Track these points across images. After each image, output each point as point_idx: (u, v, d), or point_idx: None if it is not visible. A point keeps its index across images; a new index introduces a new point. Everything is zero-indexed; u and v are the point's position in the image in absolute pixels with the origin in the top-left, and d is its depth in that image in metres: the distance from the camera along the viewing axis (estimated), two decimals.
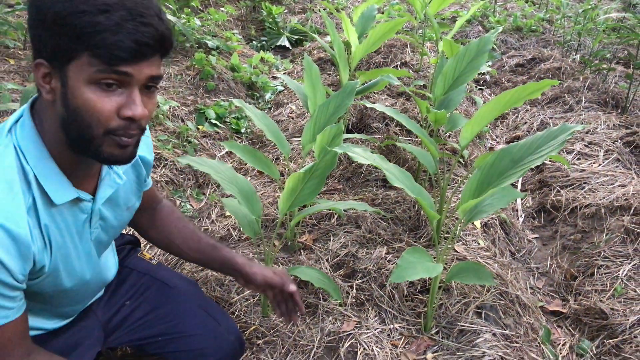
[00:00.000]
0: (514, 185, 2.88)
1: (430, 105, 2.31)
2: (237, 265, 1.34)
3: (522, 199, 2.75)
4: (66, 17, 0.83)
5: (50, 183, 0.95)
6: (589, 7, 4.27)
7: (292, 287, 1.32)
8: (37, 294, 1.06)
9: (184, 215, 1.45)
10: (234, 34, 4.34)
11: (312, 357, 1.57)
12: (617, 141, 2.98)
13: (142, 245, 2.04)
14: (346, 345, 1.59)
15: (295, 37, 4.86)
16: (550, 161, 2.87)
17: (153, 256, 1.64)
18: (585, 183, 2.63)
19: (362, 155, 1.47)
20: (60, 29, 0.84)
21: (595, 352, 1.79)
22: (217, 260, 1.37)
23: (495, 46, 4.67)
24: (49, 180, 0.95)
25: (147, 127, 1.24)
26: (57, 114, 0.91)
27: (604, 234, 2.26)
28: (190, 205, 2.50)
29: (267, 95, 3.79)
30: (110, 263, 1.32)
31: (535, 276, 2.24)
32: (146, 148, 1.22)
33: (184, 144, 2.84)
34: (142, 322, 1.38)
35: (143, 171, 1.22)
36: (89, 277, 1.16)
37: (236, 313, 1.72)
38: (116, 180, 1.10)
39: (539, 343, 1.74)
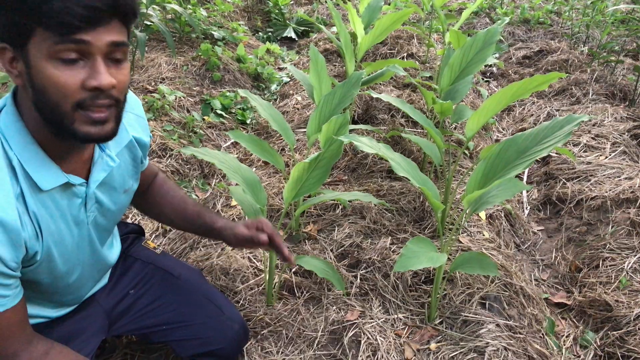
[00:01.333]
0: (519, 178, 2.87)
1: (436, 96, 2.31)
2: (216, 231, 1.36)
3: (527, 191, 2.75)
4: None
5: (35, 169, 0.95)
6: None
7: (262, 238, 1.29)
8: (34, 282, 1.06)
9: (174, 184, 1.47)
10: (240, 25, 4.33)
11: (316, 345, 1.58)
12: (624, 134, 2.96)
13: (146, 234, 2.05)
14: (350, 334, 1.59)
15: (302, 28, 4.85)
16: (556, 153, 2.86)
17: (158, 245, 1.65)
18: (591, 175, 2.62)
19: (368, 145, 1.47)
20: (11, 7, 0.83)
21: (599, 343, 1.79)
22: (201, 227, 1.40)
23: (502, 38, 4.65)
24: (34, 166, 0.95)
25: (142, 108, 1.24)
26: (30, 97, 0.90)
27: (610, 227, 2.26)
28: (196, 195, 2.51)
29: (273, 87, 3.79)
30: (112, 248, 1.32)
31: (540, 268, 2.24)
32: (141, 129, 1.22)
33: (190, 134, 2.85)
34: (146, 311, 1.39)
35: (139, 152, 1.22)
36: (87, 261, 1.17)
37: (241, 302, 1.73)
38: (109, 163, 1.09)
39: (542, 334, 1.74)
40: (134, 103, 1.21)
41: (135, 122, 1.20)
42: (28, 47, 0.85)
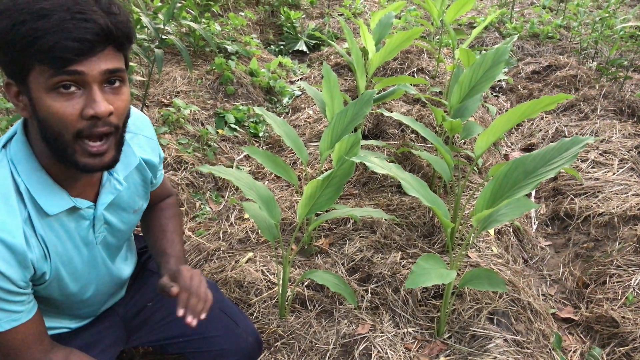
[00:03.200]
0: (527, 194, 2.90)
1: (446, 112, 2.36)
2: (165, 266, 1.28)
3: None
4: (9, 31, 0.85)
5: (41, 194, 0.99)
6: (607, 14, 4.27)
7: (174, 291, 1.15)
8: (48, 299, 1.12)
9: (177, 214, 1.44)
10: (252, 38, 4.41)
11: (328, 358, 1.62)
12: (631, 150, 2.99)
13: None
14: (361, 347, 1.64)
15: (313, 41, 4.92)
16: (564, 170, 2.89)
17: None
18: (599, 192, 2.65)
19: (379, 165, 1.52)
20: (8, 45, 0.87)
21: (605, 359, 1.82)
22: (155, 250, 1.35)
23: (511, 52, 4.69)
24: (40, 191, 0.99)
25: (152, 129, 1.26)
26: (36, 128, 0.95)
27: (617, 243, 2.29)
28: (210, 207, 2.57)
29: (285, 100, 3.85)
30: (126, 263, 1.35)
31: (548, 283, 2.27)
32: (151, 151, 1.25)
33: (204, 147, 2.91)
34: (163, 324, 1.42)
35: (149, 174, 1.25)
36: (98, 280, 1.21)
37: (254, 314, 1.78)
38: (116, 186, 1.12)
39: (550, 349, 1.77)
40: (143, 125, 1.24)
41: (145, 143, 1.24)
42: (29, 80, 0.89)
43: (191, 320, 1.13)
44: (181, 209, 2.45)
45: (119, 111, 0.96)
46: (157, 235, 1.37)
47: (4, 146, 1.01)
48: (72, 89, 0.89)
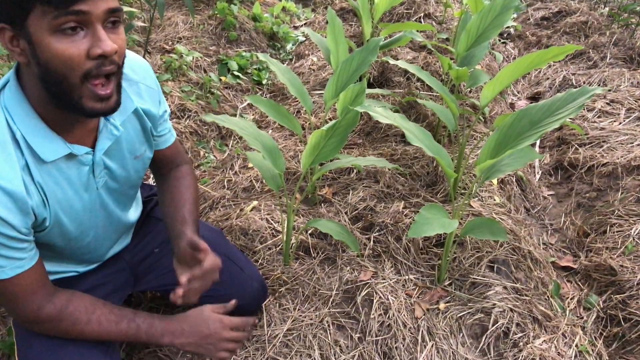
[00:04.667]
0: (532, 144, 2.89)
1: (452, 60, 2.32)
2: (173, 239, 1.31)
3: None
4: None
5: (37, 142, 0.99)
6: None
7: (182, 279, 1.22)
8: (50, 244, 1.14)
9: (193, 184, 1.43)
10: None
11: (331, 303, 1.67)
12: (639, 99, 2.96)
13: None
14: (363, 293, 1.68)
15: None
16: (569, 119, 2.88)
17: None
18: (604, 142, 2.64)
19: (383, 115, 1.51)
20: None
21: (602, 306, 1.87)
22: (170, 227, 1.34)
23: None
24: (37, 138, 0.99)
25: (154, 78, 1.25)
26: (35, 74, 0.93)
27: (619, 193, 2.30)
28: (214, 156, 2.58)
29: (289, 46, 3.79)
30: (129, 210, 1.37)
31: (549, 232, 2.30)
32: (150, 101, 1.23)
33: (207, 95, 2.89)
34: (170, 269, 1.45)
35: (148, 123, 1.24)
36: (101, 223, 1.23)
37: (259, 261, 1.82)
38: (113, 131, 1.12)
39: (548, 296, 1.81)
40: (144, 73, 1.23)
41: (145, 93, 1.22)
42: (27, 23, 0.87)
43: (175, 299, 1.21)
44: None
45: (121, 50, 0.96)
46: (177, 204, 1.36)
47: None
48: (77, 29, 0.89)
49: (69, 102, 0.95)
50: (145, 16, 3.31)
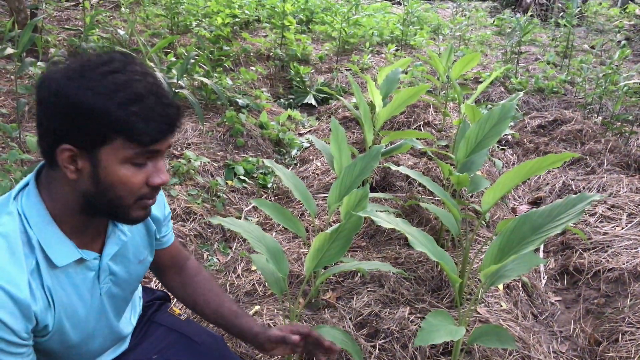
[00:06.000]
0: (536, 249, 2.89)
1: (452, 166, 2.38)
2: (251, 335, 1.35)
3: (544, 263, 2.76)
4: (99, 109, 0.91)
5: (52, 247, 1.01)
6: (610, 70, 4.36)
7: (294, 338, 1.30)
8: (47, 351, 1.11)
9: (210, 276, 1.48)
10: (262, 92, 4.51)
11: None
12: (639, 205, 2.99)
13: (172, 300, 2.10)
14: None
15: (322, 95, 5.02)
16: (572, 224, 2.89)
17: (182, 311, 1.70)
18: (608, 246, 2.64)
19: (386, 220, 1.53)
20: (92, 120, 0.92)
21: None
22: (235, 328, 1.38)
23: (517, 107, 4.76)
24: (51, 244, 1.01)
25: None
26: (79, 189, 0.99)
27: (628, 299, 2.26)
28: (217, 259, 2.58)
29: (294, 152, 3.91)
30: (126, 319, 1.35)
31: (559, 340, 2.23)
32: (156, 206, 1.27)
33: (213, 198, 2.94)
34: None
35: (153, 226, 1.28)
36: (99, 332, 1.20)
37: None
38: (121, 237, 1.16)
39: None
40: None
41: None
42: (100, 150, 0.94)
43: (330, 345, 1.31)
44: None
45: None
46: (214, 301, 1.41)
47: (15, 197, 1.03)
48: (146, 162, 0.98)
49: (115, 214, 1.03)
50: None
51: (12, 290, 0.95)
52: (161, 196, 1.30)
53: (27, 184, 1.05)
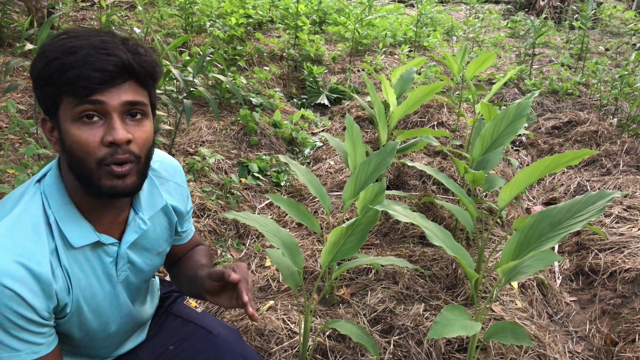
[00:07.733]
0: (552, 247, 2.87)
1: (468, 164, 2.37)
2: (201, 278, 1.20)
3: (559, 262, 2.74)
4: (43, 67, 0.94)
5: (69, 227, 1.03)
6: (626, 72, 4.32)
7: (234, 275, 1.09)
8: (67, 335, 1.12)
9: (204, 248, 1.44)
10: (276, 91, 4.53)
11: None
12: None
13: None
14: None
15: (334, 95, 5.03)
16: (588, 223, 2.87)
17: (198, 304, 1.71)
18: (624, 247, 2.61)
19: (403, 214, 1.53)
20: (43, 83, 0.95)
21: None
22: (198, 278, 1.23)
23: (531, 108, 4.73)
24: (68, 224, 1.03)
25: (183, 177, 1.29)
26: (65, 160, 1.01)
27: None
28: (231, 255, 2.58)
29: (307, 151, 3.91)
30: (144, 305, 1.36)
31: (574, 340, 2.21)
32: (179, 198, 1.28)
33: (227, 195, 2.95)
34: None
35: (174, 217, 1.27)
36: (117, 319, 1.21)
37: None
38: (141, 225, 1.15)
39: None
40: (174, 171, 1.28)
41: (174, 190, 1.27)
42: (58, 114, 0.96)
43: (253, 312, 1.08)
44: None
45: (139, 141, 1.01)
46: (194, 262, 1.35)
47: (39, 181, 1.06)
48: (95, 118, 0.96)
49: (91, 185, 0.99)
50: (171, 120, 3.47)
51: (34, 267, 0.96)
52: (185, 190, 1.31)
53: (50, 168, 1.07)
